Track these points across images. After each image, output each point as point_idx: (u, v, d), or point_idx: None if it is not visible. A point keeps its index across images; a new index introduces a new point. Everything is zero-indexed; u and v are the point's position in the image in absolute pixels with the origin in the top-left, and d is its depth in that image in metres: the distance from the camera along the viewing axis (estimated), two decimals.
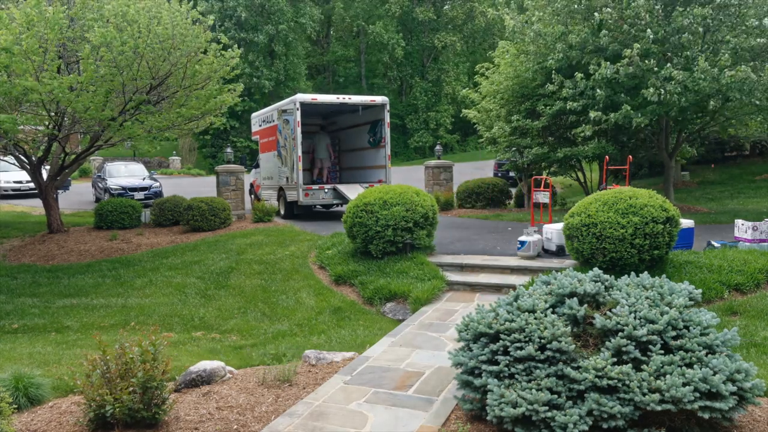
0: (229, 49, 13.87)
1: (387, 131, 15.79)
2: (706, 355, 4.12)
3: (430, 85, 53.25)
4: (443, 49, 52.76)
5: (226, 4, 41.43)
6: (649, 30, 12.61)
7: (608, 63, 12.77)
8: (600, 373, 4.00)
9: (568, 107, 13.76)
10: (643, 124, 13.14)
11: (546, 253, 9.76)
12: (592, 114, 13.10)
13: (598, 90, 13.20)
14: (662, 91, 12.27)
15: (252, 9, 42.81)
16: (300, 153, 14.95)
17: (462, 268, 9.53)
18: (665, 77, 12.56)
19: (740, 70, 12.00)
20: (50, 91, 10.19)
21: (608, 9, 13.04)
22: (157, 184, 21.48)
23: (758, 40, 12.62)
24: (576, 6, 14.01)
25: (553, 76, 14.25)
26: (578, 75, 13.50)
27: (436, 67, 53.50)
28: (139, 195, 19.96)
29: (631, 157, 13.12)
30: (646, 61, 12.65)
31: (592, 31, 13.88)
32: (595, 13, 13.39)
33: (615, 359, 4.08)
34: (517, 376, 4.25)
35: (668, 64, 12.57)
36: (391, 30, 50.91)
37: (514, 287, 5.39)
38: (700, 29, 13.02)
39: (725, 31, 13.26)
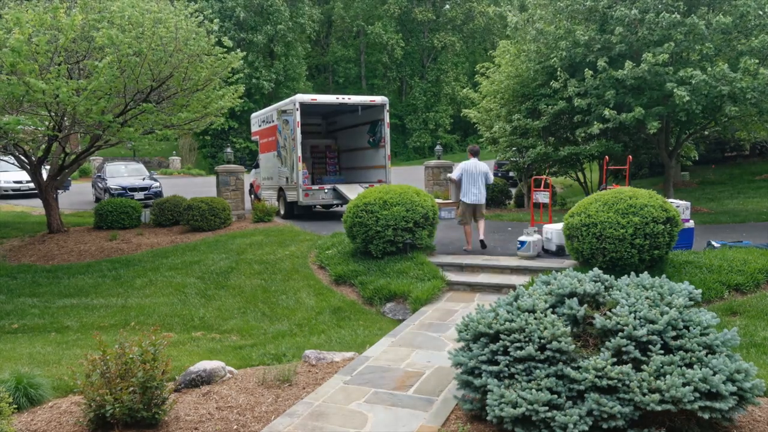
0: (233, 52, 13.87)
1: (387, 131, 15.79)
2: (706, 355, 4.11)
3: (429, 86, 53.27)
4: (443, 49, 52.79)
5: (225, 5, 41.42)
6: (670, 43, 12.60)
7: (630, 63, 12.75)
8: (600, 373, 4.00)
9: (575, 104, 13.73)
10: (654, 129, 13.13)
11: (546, 253, 9.77)
12: (607, 112, 13.08)
13: (608, 90, 13.20)
14: (682, 93, 12.21)
15: (251, 9, 42.80)
16: (300, 153, 14.95)
17: (462, 268, 9.53)
18: (681, 80, 12.54)
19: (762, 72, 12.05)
20: (56, 89, 10.19)
21: (634, 10, 13.00)
22: (157, 184, 21.47)
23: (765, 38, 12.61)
24: (579, 6, 14.02)
25: (558, 73, 14.24)
26: (588, 72, 13.48)
27: (436, 68, 53.52)
28: (139, 195, 19.96)
29: (631, 157, 13.14)
30: (662, 68, 12.65)
31: (600, 29, 13.87)
32: (618, 7, 13.31)
33: (615, 359, 4.08)
34: (517, 376, 4.25)
35: (689, 68, 12.55)
36: (390, 30, 50.94)
37: (514, 287, 5.39)
38: (719, 36, 13.05)
39: (741, 37, 13.26)
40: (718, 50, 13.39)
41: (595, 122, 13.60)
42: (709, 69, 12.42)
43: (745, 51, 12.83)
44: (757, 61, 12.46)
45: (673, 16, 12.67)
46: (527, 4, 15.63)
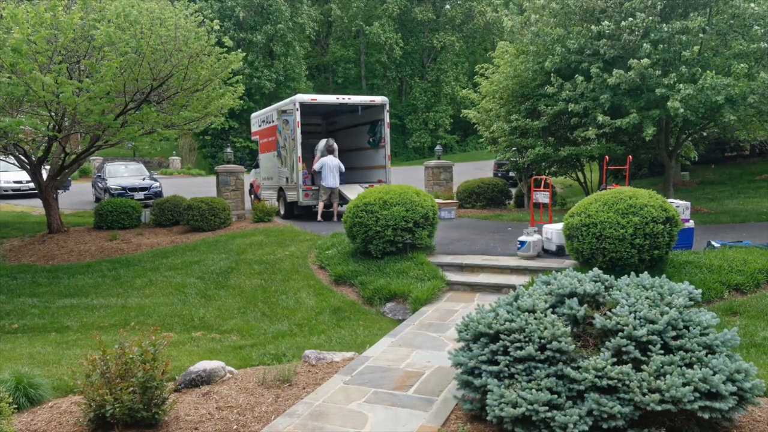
0: (233, 52, 13.87)
1: (387, 131, 15.79)
2: (706, 355, 4.11)
3: (429, 86, 53.22)
4: (442, 49, 52.76)
5: (225, 4, 41.41)
6: (647, 45, 12.59)
7: (620, 70, 12.73)
8: (600, 373, 4.00)
9: (570, 109, 13.75)
10: (650, 135, 13.08)
11: (546, 253, 9.76)
12: (600, 118, 13.06)
13: (604, 94, 13.18)
14: (677, 105, 12.17)
15: (250, 9, 42.79)
16: (300, 153, 14.94)
17: (462, 268, 9.52)
18: (671, 87, 12.52)
19: (761, 77, 12.03)
20: (57, 87, 10.19)
21: (606, 22, 13.03)
22: (157, 184, 21.48)
23: (761, 44, 12.57)
24: (573, 7, 13.99)
25: (552, 78, 14.24)
26: (579, 78, 13.47)
27: (436, 68, 53.48)
28: (139, 195, 19.96)
29: (630, 157, 13.12)
30: (650, 70, 12.64)
31: (591, 36, 13.86)
32: (593, 26, 13.36)
33: (615, 359, 4.08)
34: (517, 376, 4.25)
35: (673, 74, 12.53)
36: (389, 30, 50.90)
37: (514, 287, 5.39)
38: (700, 37, 13.02)
39: (732, 40, 13.24)
40: (713, 52, 13.36)
41: (591, 127, 13.62)
42: (701, 81, 12.34)
43: (731, 55, 12.82)
44: (746, 65, 12.41)
45: (650, 19, 12.69)
46: (524, 6, 15.61)
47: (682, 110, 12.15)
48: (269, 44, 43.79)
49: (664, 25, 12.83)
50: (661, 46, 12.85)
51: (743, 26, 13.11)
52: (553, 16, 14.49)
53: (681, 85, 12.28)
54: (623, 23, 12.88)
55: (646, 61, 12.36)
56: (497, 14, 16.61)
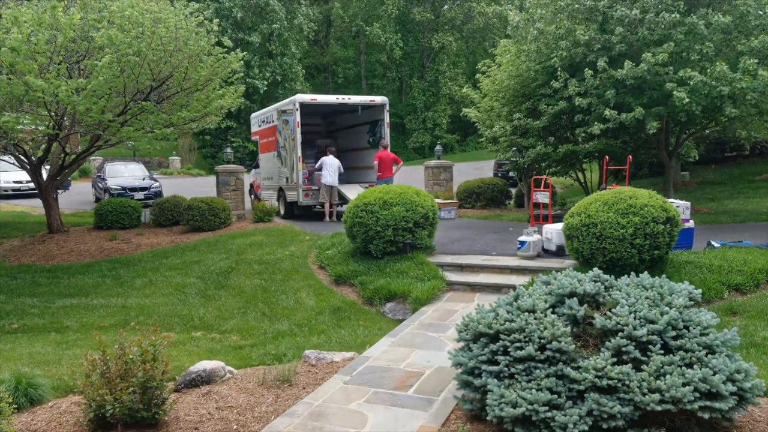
0: (233, 53, 13.87)
1: (387, 131, 15.80)
2: (706, 355, 4.11)
3: (428, 86, 53.23)
4: (441, 49, 52.77)
5: (222, 5, 41.38)
6: (669, 43, 12.62)
7: (630, 63, 12.75)
8: (600, 373, 4.00)
9: (576, 103, 13.73)
10: (653, 129, 13.10)
11: (546, 253, 9.76)
12: (607, 112, 13.08)
13: (609, 90, 13.20)
14: (682, 95, 12.19)
15: (248, 9, 42.77)
16: (300, 153, 14.94)
17: (462, 268, 9.52)
18: (681, 80, 12.54)
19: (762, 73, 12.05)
20: (55, 88, 10.19)
21: (634, 11, 13.02)
22: (157, 184, 21.48)
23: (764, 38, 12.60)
24: (580, 6, 13.98)
25: (558, 73, 14.24)
26: (588, 72, 13.47)
27: (435, 68, 53.50)
28: (139, 195, 19.96)
29: (630, 157, 13.12)
30: (661, 68, 12.66)
31: (601, 29, 13.85)
32: (619, 7, 13.30)
33: (615, 359, 4.08)
34: (517, 376, 4.25)
35: (688, 69, 12.55)
36: (389, 30, 50.90)
37: (514, 287, 5.39)
38: (720, 35, 13.05)
39: (741, 37, 13.25)
40: (718, 50, 13.37)
41: (596, 122, 13.60)
42: (709, 70, 12.40)
43: (745, 51, 12.82)
44: (756, 61, 12.44)
45: (673, 15, 12.67)
46: (527, 4, 15.62)
47: (687, 100, 12.16)
48: (266, 44, 43.75)
49: (687, 18, 12.84)
50: (680, 37, 12.85)
51: (758, 26, 13.14)
52: (558, 13, 14.50)
53: (692, 72, 12.29)
54: (647, 16, 12.88)
55: (663, 56, 12.37)
56: (500, 9, 16.62)
